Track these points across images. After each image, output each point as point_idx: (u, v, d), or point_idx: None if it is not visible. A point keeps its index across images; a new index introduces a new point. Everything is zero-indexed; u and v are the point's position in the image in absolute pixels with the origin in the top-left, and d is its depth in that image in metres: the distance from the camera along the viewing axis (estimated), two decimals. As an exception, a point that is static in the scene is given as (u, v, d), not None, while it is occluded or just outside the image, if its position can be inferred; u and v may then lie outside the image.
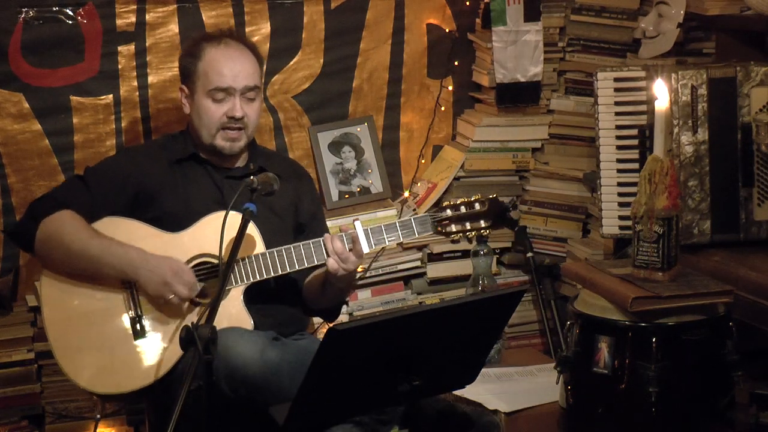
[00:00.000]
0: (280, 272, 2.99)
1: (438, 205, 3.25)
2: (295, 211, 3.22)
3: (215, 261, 2.97)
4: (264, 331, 2.91)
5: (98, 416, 3.61)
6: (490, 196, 3.10)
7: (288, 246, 2.99)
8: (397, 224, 3.04)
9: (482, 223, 3.08)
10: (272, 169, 3.11)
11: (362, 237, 2.98)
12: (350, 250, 2.95)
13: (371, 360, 2.40)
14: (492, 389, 3.31)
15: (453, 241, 3.16)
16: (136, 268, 2.92)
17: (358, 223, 3.00)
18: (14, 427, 3.73)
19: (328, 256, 2.95)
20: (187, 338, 2.36)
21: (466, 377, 2.67)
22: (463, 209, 3.08)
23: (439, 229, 3.06)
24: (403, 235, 3.04)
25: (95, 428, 3.57)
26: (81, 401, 3.74)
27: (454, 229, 3.07)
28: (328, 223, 3.48)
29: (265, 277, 2.99)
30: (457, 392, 2.89)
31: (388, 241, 3.02)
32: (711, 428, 2.85)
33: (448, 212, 3.08)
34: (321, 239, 2.98)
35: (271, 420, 2.58)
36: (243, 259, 2.97)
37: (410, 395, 2.41)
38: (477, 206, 3.08)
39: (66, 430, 3.76)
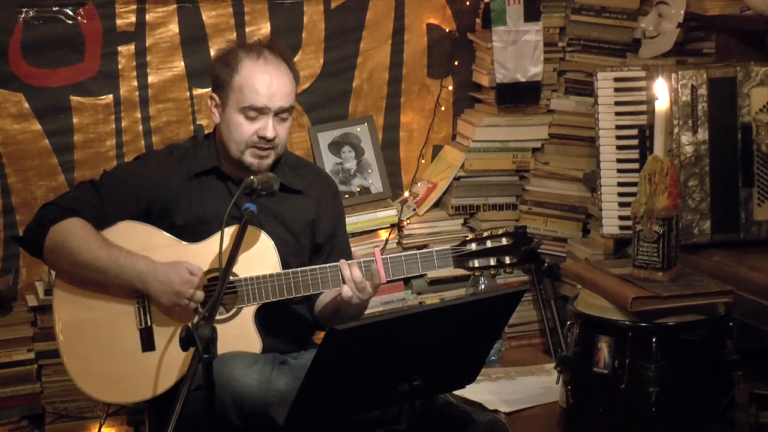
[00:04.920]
0: (294, 295, 2.92)
1: (439, 204, 3.15)
2: (312, 231, 3.11)
3: (231, 276, 2.85)
4: (269, 355, 2.87)
5: (102, 420, 3.60)
6: (517, 229, 2.95)
7: (305, 269, 2.91)
8: (418, 256, 2.93)
9: (507, 259, 2.93)
10: (295, 184, 3.08)
11: (381, 267, 2.89)
12: (368, 279, 2.88)
13: (371, 360, 2.39)
14: (492, 389, 3.30)
15: (475, 275, 3.00)
16: (145, 281, 2.85)
17: (377, 252, 2.91)
18: (14, 427, 3.73)
19: (344, 283, 2.88)
20: (187, 338, 2.36)
21: (466, 377, 2.67)
22: (488, 243, 2.92)
23: (463, 264, 2.92)
24: (422, 268, 2.93)
25: (100, 428, 3.57)
26: (81, 401, 3.74)
27: (477, 265, 2.92)
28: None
29: (279, 298, 2.91)
30: (457, 392, 2.88)
31: (408, 272, 2.93)
32: (711, 428, 2.84)
33: (473, 246, 2.92)
34: (338, 264, 2.90)
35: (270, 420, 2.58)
36: (258, 278, 2.90)
37: (410, 395, 2.41)
38: (504, 240, 2.92)
39: (66, 430, 3.77)
